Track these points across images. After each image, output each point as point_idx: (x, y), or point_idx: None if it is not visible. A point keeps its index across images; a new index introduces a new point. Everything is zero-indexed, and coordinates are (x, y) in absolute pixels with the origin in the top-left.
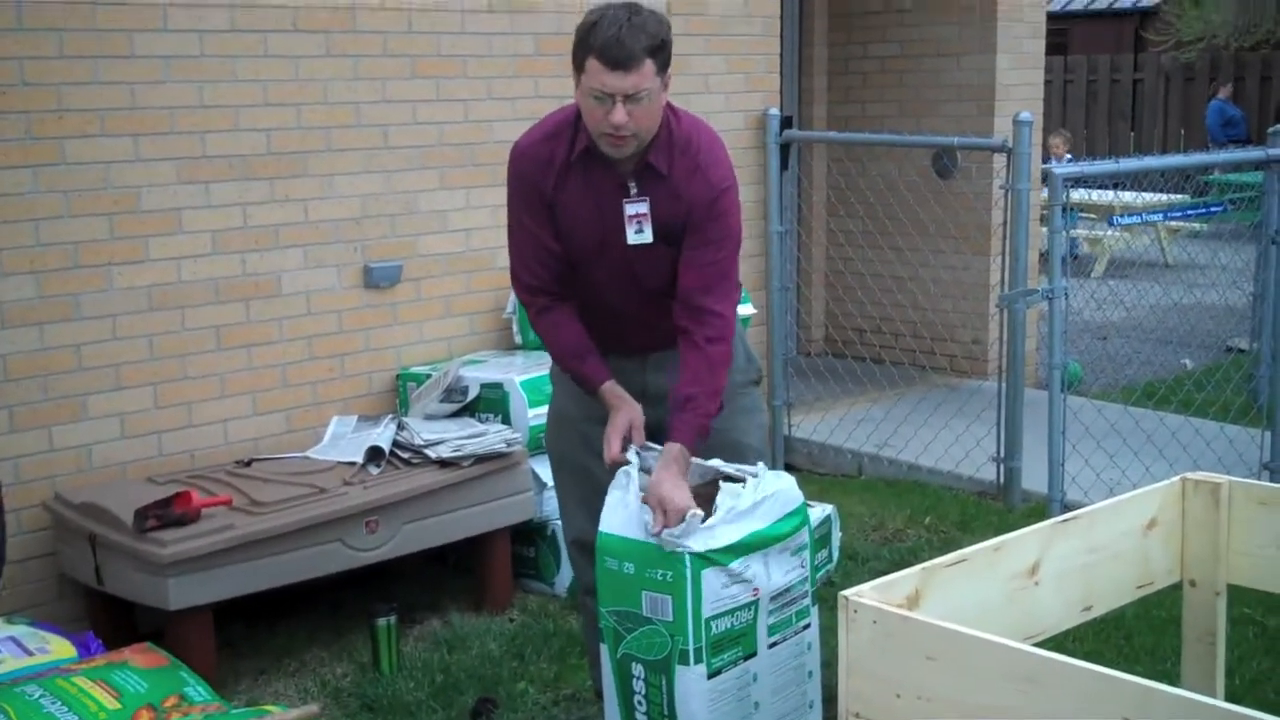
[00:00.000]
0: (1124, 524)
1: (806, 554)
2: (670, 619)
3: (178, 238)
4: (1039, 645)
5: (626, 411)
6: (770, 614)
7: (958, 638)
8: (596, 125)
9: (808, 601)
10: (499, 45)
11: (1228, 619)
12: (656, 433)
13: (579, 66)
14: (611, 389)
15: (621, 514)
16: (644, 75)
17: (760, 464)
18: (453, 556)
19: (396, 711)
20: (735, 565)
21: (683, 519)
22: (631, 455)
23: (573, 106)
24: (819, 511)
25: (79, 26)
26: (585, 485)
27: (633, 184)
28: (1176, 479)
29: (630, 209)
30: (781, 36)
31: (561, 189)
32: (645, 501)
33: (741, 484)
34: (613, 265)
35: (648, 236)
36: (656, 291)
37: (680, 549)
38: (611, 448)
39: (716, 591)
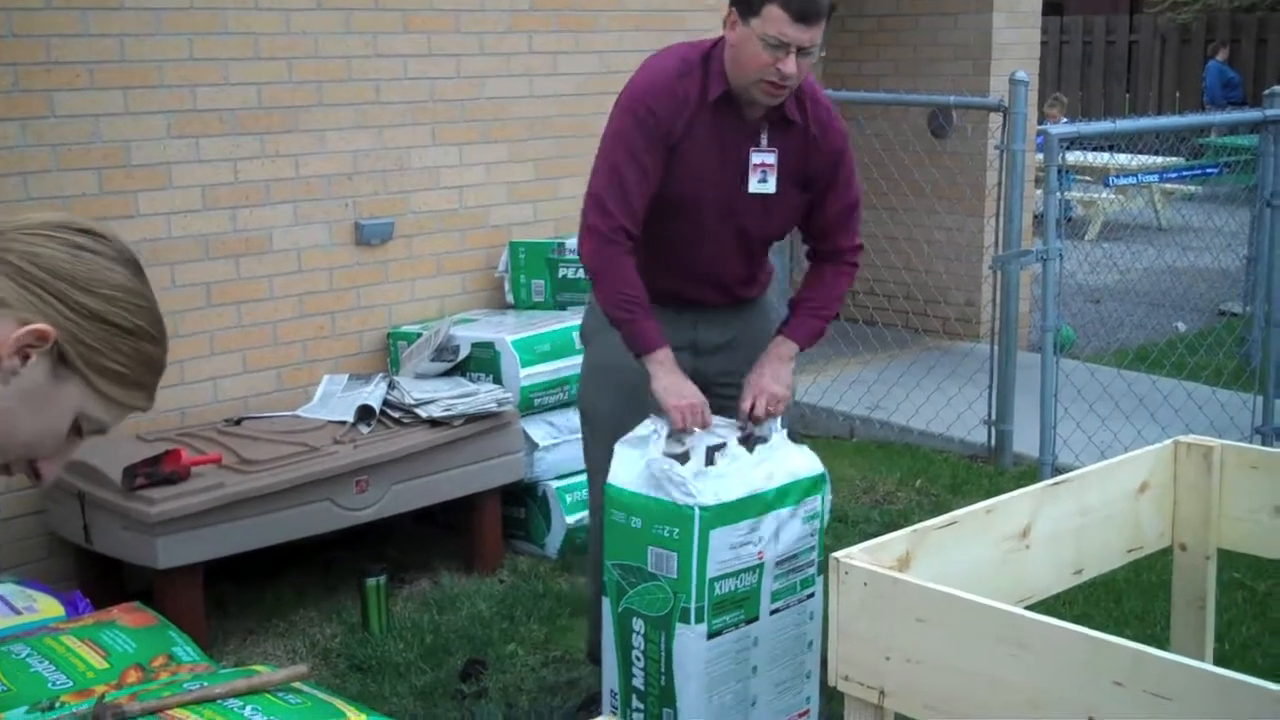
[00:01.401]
0: (1115, 487)
1: (818, 523)
2: (674, 576)
3: (167, 193)
4: (1030, 608)
5: (692, 387)
6: (775, 579)
7: (948, 600)
8: (759, 72)
9: (813, 571)
10: (492, 0)
11: (1218, 583)
12: (700, 381)
13: (753, 11)
14: (671, 357)
15: (633, 469)
16: (820, 30)
17: (783, 428)
18: (443, 517)
19: (386, 672)
20: (745, 524)
21: (772, 412)
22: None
23: (691, 46)
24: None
25: None
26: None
27: (764, 133)
28: (1169, 442)
29: (757, 158)
30: None
31: (689, 133)
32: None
33: (764, 442)
34: (720, 214)
35: (771, 186)
36: (755, 241)
37: (691, 504)
38: (692, 418)
39: (723, 552)
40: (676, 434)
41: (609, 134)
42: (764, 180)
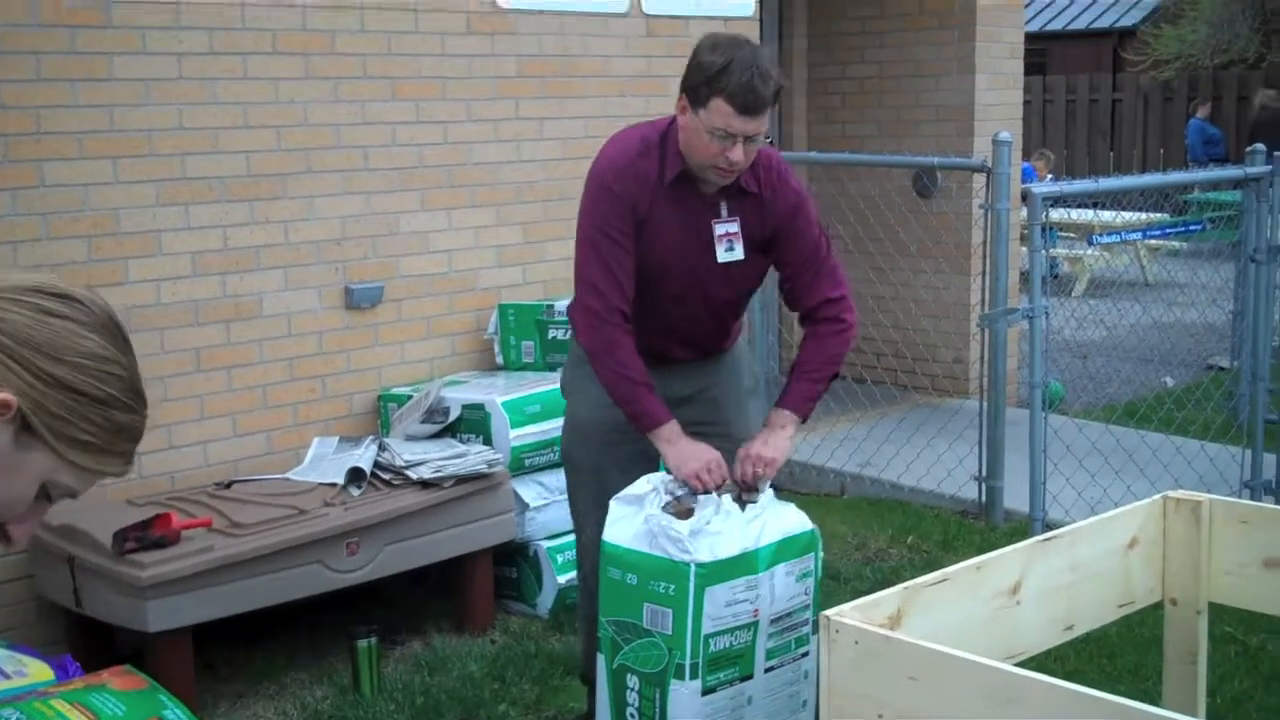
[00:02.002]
0: (1105, 543)
1: (811, 582)
2: (669, 632)
3: (157, 259)
4: (1022, 665)
5: (703, 448)
6: (770, 637)
7: (940, 658)
8: (709, 159)
9: (808, 630)
10: (479, 67)
11: (1209, 638)
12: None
13: (700, 102)
14: (678, 427)
15: (629, 526)
16: (765, 119)
17: (768, 489)
18: (434, 577)
19: None
20: (740, 581)
21: (761, 476)
22: (662, 484)
23: (649, 125)
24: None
25: (57, 49)
26: (604, 492)
27: (723, 204)
28: (1158, 497)
29: (720, 229)
30: None
31: (653, 210)
32: (742, 459)
33: (754, 502)
34: (687, 283)
35: (739, 253)
36: (720, 304)
37: (688, 560)
38: (711, 477)
39: (718, 609)
40: (695, 494)
41: (584, 214)
42: (730, 249)
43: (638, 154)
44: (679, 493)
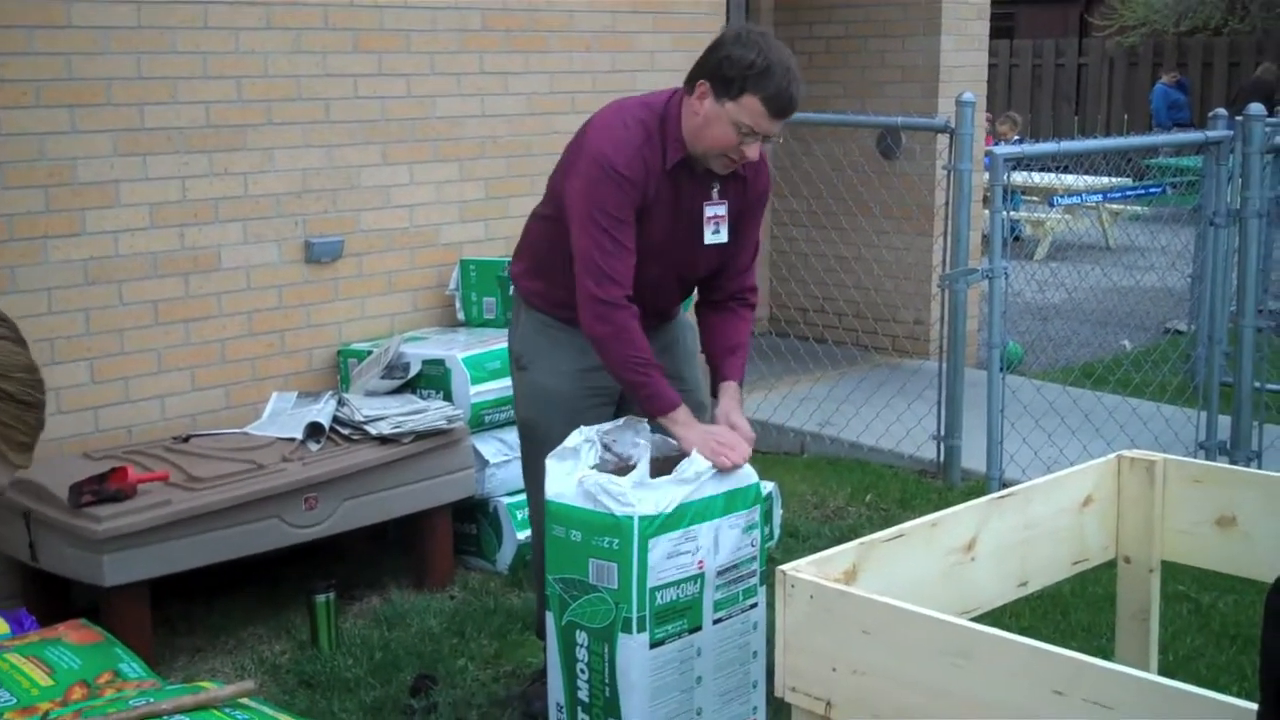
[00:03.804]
0: (1060, 501)
1: (757, 534)
2: (615, 587)
3: (115, 211)
4: (977, 620)
5: (710, 427)
6: (716, 589)
7: (894, 612)
8: (722, 149)
9: (755, 581)
10: (444, 20)
11: (1162, 596)
12: (627, 399)
13: (730, 96)
14: (687, 410)
15: (569, 482)
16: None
17: None
18: (393, 533)
19: (335, 688)
20: (682, 533)
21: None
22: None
23: (644, 108)
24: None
25: None
26: None
27: (715, 185)
28: (1112, 456)
29: (710, 210)
30: (728, 16)
31: (657, 196)
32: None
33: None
34: (672, 262)
35: (723, 236)
36: (692, 280)
37: (630, 514)
38: (734, 454)
39: (662, 561)
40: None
41: (587, 198)
42: (717, 232)
43: (643, 141)
44: (614, 446)
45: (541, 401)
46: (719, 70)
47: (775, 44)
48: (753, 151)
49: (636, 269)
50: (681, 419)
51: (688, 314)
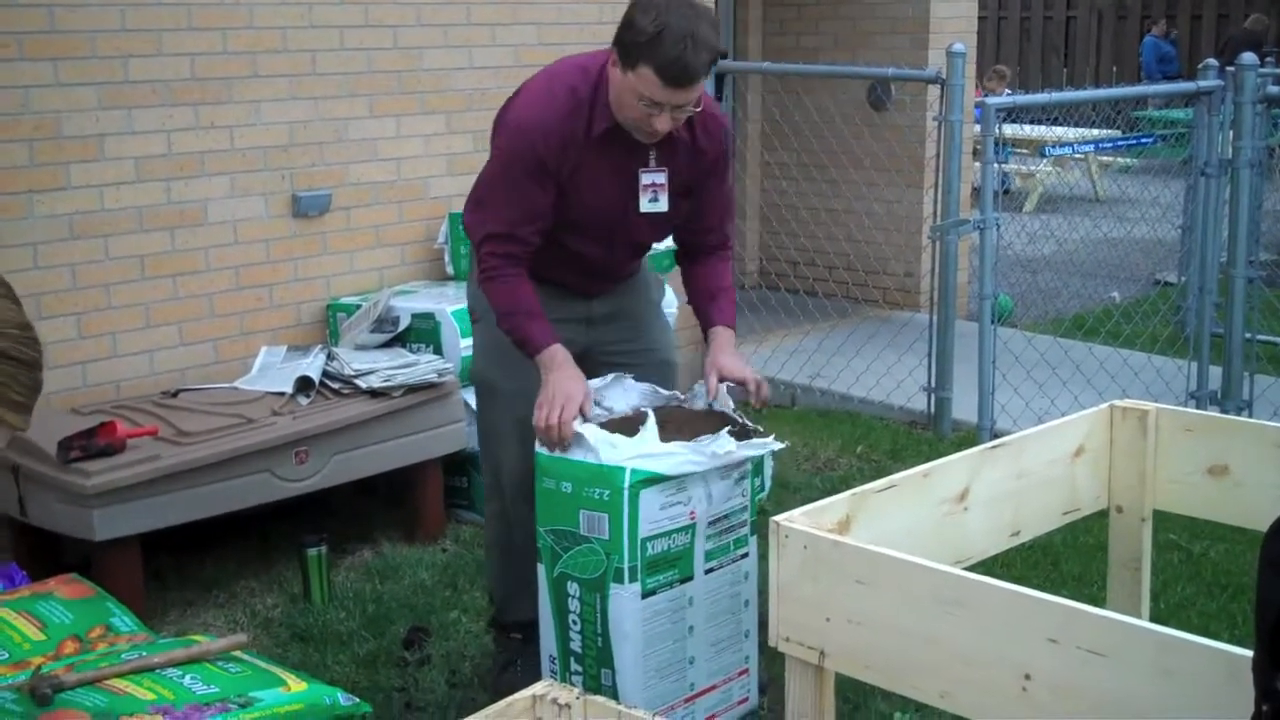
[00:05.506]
0: (1052, 451)
1: (747, 483)
2: (606, 537)
3: (100, 164)
4: (968, 570)
5: (581, 383)
6: (708, 539)
7: (887, 562)
8: (634, 122)
9: (746, 531)
10: None
11: (1153, 545)
12: (593, 352)
13: (629, 65)
14: (562, 352)
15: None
16: (698, 88)
17: (700, 387)
18: (384, 487)
19: (328, 641)
20: (673, 483)
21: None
22: (581, 426)
23: (580, 72)
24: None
25: None
26: (526, 412)
27: (653, 153)
28: (1104, 406)
29: (647, 178)
30: None
31: (580, 167)
32: (721, 378)
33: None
34: (611, 230)
35: (662, 205)
36: (643, 245)
37: (621, 464)
38: (569, 413)
39: (654, 512)
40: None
41: (497, 161)
42: (655, 200)
43: (568, 113)
44: (603, 401)
45: (495, 353)
46: (620, 38)
47: (682, 7)
48: (663, 124)
49: (572, 235)
50: (547, 361)
51: (644, 269)
